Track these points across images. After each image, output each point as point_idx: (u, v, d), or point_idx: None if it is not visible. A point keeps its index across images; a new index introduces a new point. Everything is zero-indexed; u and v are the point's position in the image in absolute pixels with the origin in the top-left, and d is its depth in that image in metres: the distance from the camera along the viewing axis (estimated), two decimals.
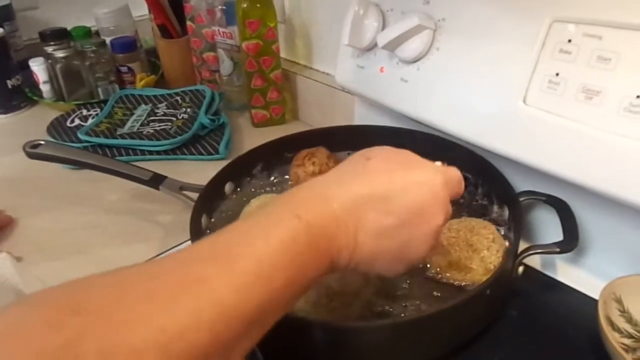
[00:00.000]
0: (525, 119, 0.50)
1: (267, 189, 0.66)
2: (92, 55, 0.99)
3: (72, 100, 1.00)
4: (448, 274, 0.50)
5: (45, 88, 1.01)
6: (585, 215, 0.52)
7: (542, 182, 0.54)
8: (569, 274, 0.55)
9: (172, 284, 0.27)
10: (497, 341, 0.48)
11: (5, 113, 1.01)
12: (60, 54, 0.98)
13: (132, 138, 0.83)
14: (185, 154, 0.83)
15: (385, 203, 0.37)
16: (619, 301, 0.47)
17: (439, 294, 0.49)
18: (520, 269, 0.50)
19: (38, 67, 0.99)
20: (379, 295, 0.49)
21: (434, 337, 0.45)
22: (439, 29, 0.58)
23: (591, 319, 0.45)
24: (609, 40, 0.44)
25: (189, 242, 0.53)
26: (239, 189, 0.65)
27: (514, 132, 0.52)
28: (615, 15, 0.44)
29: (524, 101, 0.50)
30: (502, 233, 0.54)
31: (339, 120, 0.84)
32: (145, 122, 0.90)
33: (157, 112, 0.93)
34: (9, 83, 1.00)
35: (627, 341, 0.46)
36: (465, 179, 0.61)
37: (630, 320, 0.47)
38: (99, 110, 0.95)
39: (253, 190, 0.66)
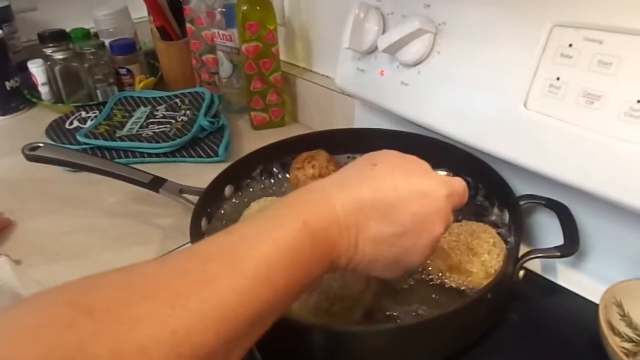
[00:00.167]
0: (525, 123, 0.51)
1: (267, 192, 0.66)
2: (91, 57, 0.99)
3: (71, 102, 1.00)
4: (449, 278, 0.50)
5: (43, 90, 1.01)
6: (585, 219, 0.52)
7: (542, 186, 0.54)
8: (570, 278, 0.55)
9: (178, 283, 0.28)
10: (498, 345, 0.48)
11: (3, 115, 1.01)
12: (59, 55, 0.98)
13: (131, 140, 0.83)
14: (185, 157, 0.83)
15: (388, 211, 0.37)
16: (619, 305, 0.47)
17: (440, 298, 0.49)
18: (521, 273, 0.50)
19: (37, 69, 0.99)
20: (379, 299, 0.49)
21: (435, 342, 0.45)
22: (439, 32, 0.58)
23: (592, 323, 0.45)
24: (609, 44, 0.45)
25: (189, 245, 0.52)
26: (238, 192, 0.65)
27: (515, 135, 0.52)
28: (616, 20, 0.44)
29: (525, 105, 0.50)
30: (503, 237, 0.54)
31: (338, 123, 0.84)
32: (145, 124, 0.89)
33: (156, 115, 0.92)
34: (8, 85, 1.00)
35: (627, 345, 0.46)
36: (466, 182, 0.62)
37: (630, 324, 0.47)
38: (97, 112, 0.95)
39: (253, 193, 0.66)
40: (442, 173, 0.42)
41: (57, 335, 0.23)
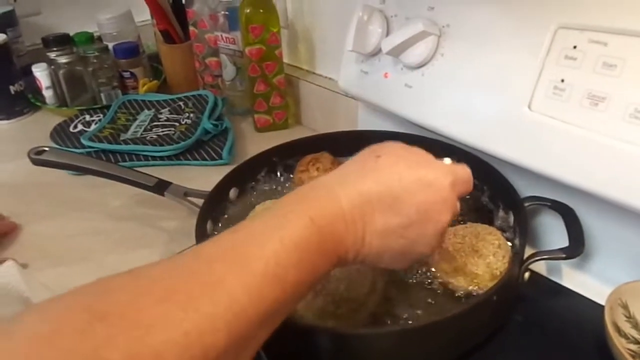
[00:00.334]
0: (530, 125, 0.51)
1: (272, 194, 0.66)
2: (95, 60, 0.99)
3: (75, 106, 1.00)
4: (454, 280, 0.50)
5: (48, 94, 1.01)
6: (590, 220, 0.52)
7: (547, 188, 0.54)
8: (575, 279, 0.55)
9: (188, 286, 0.28)
10: (503, 347, 0.48)
11: (8, 119, 1.01)
12: (63, 59, 0.98)
13: (135, 143, 0.84)
14: (189, 159, 0.83)
15: (393, 203, 0.37)
16: (625, 307, 0.47)
17: (445, 301, 0.49)
18: (526, 274, 0.50)
19: (41, 73, 0.99)
20: (385, 302, 0.49)
21: (441, 344, 0.45)
22: (443, 34, 0.58)
23: (597, 325, 0.45)
24: (614, 46, 0.45)
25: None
26: (243, 195, 0.65)
27: (519, 137, 0.52)
28: (620, 22, 0.44)
29: (529, 107, 0.51)
30: (508, 238, 0.54)
31: (342, 125, 0.84)
32: (149, 127, 0.90)
33: (160, 118, 0.93)
34: (12, 89, 1.00)
35: (633, 347, 0.46)
36: None
37: (636, 326, 0.47)
38: (102, 115, 0.95)
39: (257, 195, 0.66)
40: (447, 160, 0.42)
41: (72, 341, 0.23)
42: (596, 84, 0.46)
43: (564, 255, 0.48)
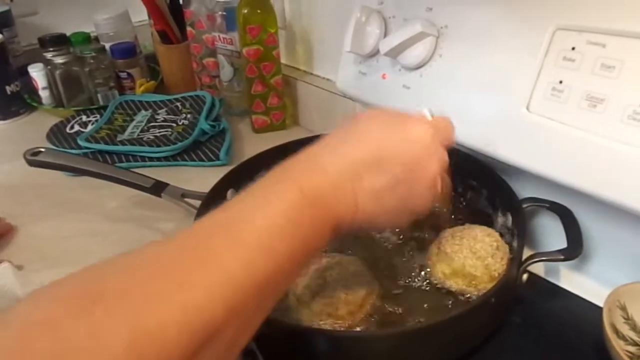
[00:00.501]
0: (528, 126, 0.50)
1: None
2: (92, 61, 0.99)
3: (72, 107, 1.00)
4: (452, 282, 0.50)
5: (44, 94, 1.01)
6: (588, 222, 0.52)
7: (545, 189, 0.54)
8: (573, 281, 0.55)
9: (183, 260, 0.28)
10: (502, 348, 0.48)
11: (4, 119, 1.01)
12: (59, 59, 0.97)
13: (132, 144, 0.83)
14: (186, 160, 0.83)
15: (379, 164, 0.38)
16: (623, 308, 0.47)
17: (444, 302, 0.49)
18: (525, 276, 0.50)
19: (37, 73, 0.99)
20: (384, 303, 0.49)
21: (439, 346, 0.45)
22: (441, 36, 0.58)
23: (595, 326, 0.45)
24: (613, 48, 0.45)
25: None
26: None
27: (517, 139, 0.52)
28: (619, 23, 0.44)
29: (528, 108, 0.50)
30: (506, 240, 0.54)
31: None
32: (146, 128, 0.89)
33: (157, 118, 0.92)
34: (8, 89, 1.00)
35: (631, 349, 0.46)
36: (469, 185, 0.62)
37: (634, 327, 0.47)
38: (98, 116, 0.95)
39: None
40: (426, 113, 0.43)
41: (69, 325, 0.23)
42: (594, 85, 0.46)
43: (562, 257, 0.48)
